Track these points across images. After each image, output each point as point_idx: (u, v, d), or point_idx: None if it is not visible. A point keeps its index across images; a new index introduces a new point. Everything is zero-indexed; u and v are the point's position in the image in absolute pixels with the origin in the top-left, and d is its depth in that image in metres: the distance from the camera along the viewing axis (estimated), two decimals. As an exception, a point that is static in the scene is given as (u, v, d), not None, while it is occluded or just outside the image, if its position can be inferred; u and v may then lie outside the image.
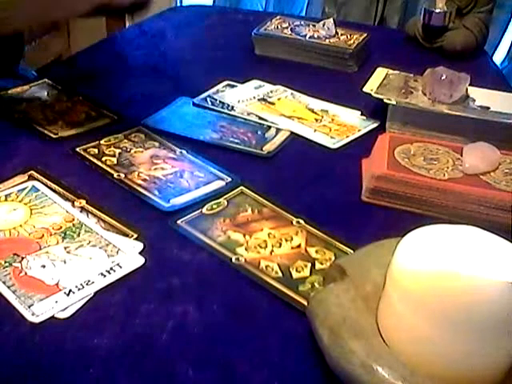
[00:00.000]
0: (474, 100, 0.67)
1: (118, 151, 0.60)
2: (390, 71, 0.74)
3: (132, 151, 0.60)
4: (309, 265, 0.46)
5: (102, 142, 0.61)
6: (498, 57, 1.89)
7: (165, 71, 0.77)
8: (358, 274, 0.39)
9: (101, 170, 0.57)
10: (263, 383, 0.36)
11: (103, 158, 0.58)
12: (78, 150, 0.60)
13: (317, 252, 0.48)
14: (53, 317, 0.39)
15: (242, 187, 0.55)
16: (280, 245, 0.48)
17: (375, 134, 0.63)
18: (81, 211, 0.50)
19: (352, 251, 0.47)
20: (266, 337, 0.40)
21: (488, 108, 0.66)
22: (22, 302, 0.40)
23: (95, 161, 0.58)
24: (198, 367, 0.37)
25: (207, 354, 0.38)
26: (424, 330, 0.33)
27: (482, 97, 0.68)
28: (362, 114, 0.71)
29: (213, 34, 0.98)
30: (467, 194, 0.53)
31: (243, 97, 0.73)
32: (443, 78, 0.66)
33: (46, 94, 0.71)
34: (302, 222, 0.51)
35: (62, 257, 0.44)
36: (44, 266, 0.43)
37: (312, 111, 0.73)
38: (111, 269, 0.43)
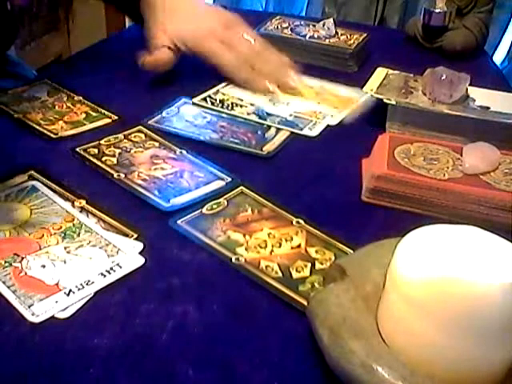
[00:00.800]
0: (474, 100, 0.67)
1: (117, 151, 0.60)
2: (390, 71, 0.74)
3: (132, 151, 0.60)
4: (309, 265, 0.46)
5: (101, 142, 0.61)
6: (498, 57, 1.89)
7: (165, 71, 0.77)
8: (358, 273, 0.39)
9: (101, 170, 0.57)
10: (263, 383, 0.36)
11: (103, 158, 0.58)
12: (78, 150, 0.60)
13: (317, 252, 0.48)
14: (53, 317, 0.39)
15: (242, 187, 0.55)
16: (280, 245, 0.48)
17: (375, 134, 0.63)
18: (81, 211, 0.50)
19: (352, 251, 0.47)
20: (265, 337, 0.40)
21: (488, 108, 0.66)
22: (21, 302, 0.40)
23: (95, 161, 0.58)
24: (198, 367, 0.37)
25: (207, 353, 0.38)
26: (424, 330, 0.33)
27: (482, 97, 0.68)
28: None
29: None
30: (467, 193, 0.53)
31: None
32: (443, 77, 0.66)
33: (46, 93, 0.71)
34: (301, 222, 0.51)
35: (62, 257, 0.44)
36: (44, 266, 0.43)
37: (311, 88, 0.78)
38: (111, 269, 0.43)
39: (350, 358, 0.33)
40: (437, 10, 0.93)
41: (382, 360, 0.33)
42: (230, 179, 0.56)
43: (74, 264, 0.44)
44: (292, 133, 0.66)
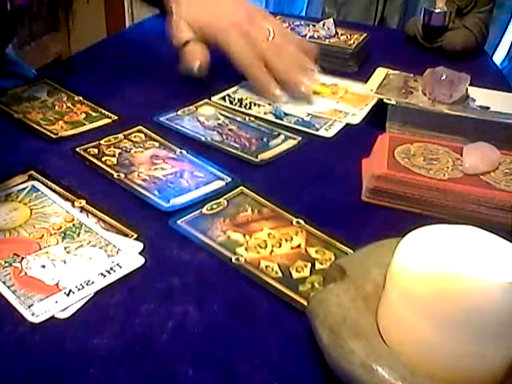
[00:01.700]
0: (474, 100, 0.67)
1: (117, 151, 0.60)
2: (390, 71, 0.74)
3: (132, 151, 0.60)
4: (309, 265, 0.46)
5: (102, 142, 0.61)
6: (498, 57, 1.89)
7: (165, 71, 0.77)
8: (358, 273, 0.39)
9: (101, 170, 0.57)
10: (263, 383, 0.36)
11: (103, 158, 0.58)
12: (78, 150, 0.60)
13: (317, 252, 0.48)
14: (53, 317, 0.39)
15: (241, 187, 0.55)
16: (280, 245, 0.48)
17: (375, 134, 0.63)
18: (81, 211, 0.50)
19: (352, 251, 0.47)
20: (265, 337, 0.40)
21: (488, 108, 0.66)
22: (21, 302, 0.40)
23: (95, 161, 0.58)
24: (198, 367, 0.37)
25: (207, 354, 0.38)
26: (424, 330, 0.33)
27: (482, 97, 0.68)
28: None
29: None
30: (467, 194, 0.53)
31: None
32: (443, 78, 0.66)
33: (46, 93, 0.71)
34: (301, 222, 0.51)
35: (62, 257, 0.44)
36: (44, 266, 0.43)
37: (325, 85, 0.79)
38: (111, 269, 0.43)
39: (350, 358, 0.33)
40: (437, 10, 0.93)
41: (382, 360, 0.33)
42: (229, 179, 0.56)
43: (73, 264, 0.44)
44: (298, 142, 0.65)
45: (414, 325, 0.33)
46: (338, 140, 0.67)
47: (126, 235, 0.47)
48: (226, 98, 0.73)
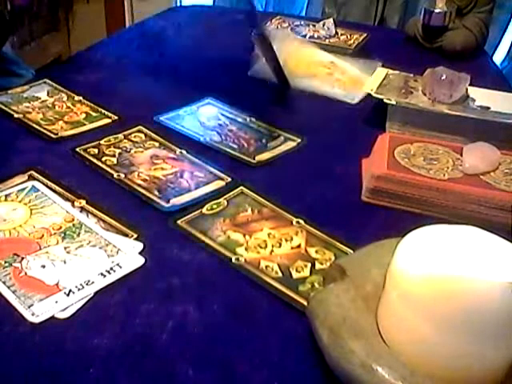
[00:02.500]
0: (473, 100, 0.67)
1: (117, 151, 0.60)
2: (390, 71, 0.74)
3: (132, 151, 0.60)
4: (309, 265, 0.46)
5: (102, 142, 0.61)
6: (498, 57, 1.89)
7: (164, 71, 0.77)
8: (358, 273, 0.39)
9: (101, 170, 0.57)
10: (263, 383, 0.36)
11: (103, 158, 0.58)
12: (77, 150, 0.60)
13: (317, 252, 0.48)
14: (53, 317, 0.39)
15: (241, 187, 0.55)
16: (280, 245, 0.48)
17: (375, 134, 0.63)
18: (81, 211, 0.50)
19: (352, 251, 0.47)
20: (266, 337, 0.40)
21: (488, 108, 0.66)
22: (21, 302, 0.40)
23: (95, 161, 0.58)
24: (198, 367, 0.37)
25: (207, 354, 0.38)
26: (424, 330, 0.33)
27: (481, 97, 0.68)
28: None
29: (213, 34, 0.98)
30: (467, 194, 0.53)
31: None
32: (443, 78, 0.66)
33: (46, 94, 0.71)
34: (301, 222, 0.51)
35: (61, 257, 0.44)
36: (44, 266, 0.43)
37: (321, 64, 0.80)
38: (111, 269, 0.43)
39: (350, 358, 0.33)
40: (437, 10, 0.93)
41: (382, 360, 0.33)
42: (229, 179, 0.56)
43: (73, 264, 0.44)
44: (298, 144, 0.65)
45: (413, 325, 0.33)
46: (338, 140, 0.67)
47: (126, 235, 0.47)
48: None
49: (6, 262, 0.43)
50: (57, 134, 0.63)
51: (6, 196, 0.51)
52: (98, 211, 0.50)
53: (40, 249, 0.45)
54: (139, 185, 0.55)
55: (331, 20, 0.95)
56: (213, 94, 0.73)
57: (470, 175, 0.55)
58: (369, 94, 0.68)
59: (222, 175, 0.57)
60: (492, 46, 1.80)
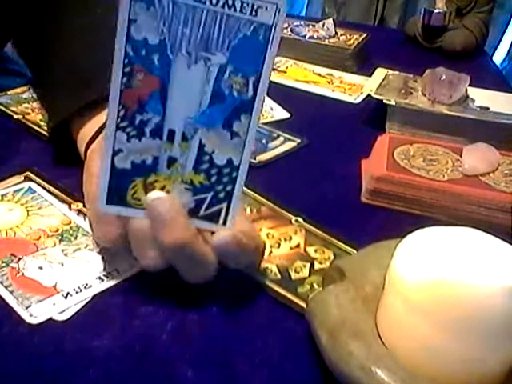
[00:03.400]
0: (473, 100, 0.67)
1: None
2: (390, 72, 0.74)
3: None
4: (308, 265, 0.46)
5: (101, 142, 0.61)
6: (498, 57, 1.89)
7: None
8: (358, 275, 0.39)
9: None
10: None
11: (102, 159, 0.58)
12: (76, 150, 0.59)
13: (316, 251, 0.47)
14: (51, 318, 0.39)
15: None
16: (279, 245, 0.48)
17: (375, 135, 0.63)
18: (78, 214, 0.49)
19: (352, 250, 0.47)
20: (265, 338, 0.40)
21: (488, 108, 0.66)
22: (19, 303, 0.40)
23: (94, 161, 0.58)
24: (198, 367, 0.37)
25: (207, 354, 0.38)
26: (423, 332, 0.33)
27: (481, 97, 0.68)
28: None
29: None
30: (467, 195, 0.53)
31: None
32: (443, 78, 0.66)
33: (45, 94, 0.71)
34: (300, 220, 0.51)
35: (59, 259, 0.44)
36: (41, 268, 0.43)
37: (320, 75, 0.84)
38: (109, 273, 0.43)
39: (349, 361, 0.33)
40: (437, 10, 0.93)
41: (382, 362, 0.33)
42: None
43: (71, 267, 0.43)
44: (298, 144, 0.65)
45: (413, 326, 0.33)
46: (338, 140, 0.66)
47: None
48: None
49: (3, 262, 0.43)
50: (56, 134, 0.62)
51: (3, 196, 0.51)
52: (96, 213, 0.50)
53: (37, 250, 0.45)
54: (138, 185, 0.54)
55: (331, 20, 0.95)
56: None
57: (470, 176, 0.55)
58: (368, 95, 0.68)
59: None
60: (492, 46, 1.80)
